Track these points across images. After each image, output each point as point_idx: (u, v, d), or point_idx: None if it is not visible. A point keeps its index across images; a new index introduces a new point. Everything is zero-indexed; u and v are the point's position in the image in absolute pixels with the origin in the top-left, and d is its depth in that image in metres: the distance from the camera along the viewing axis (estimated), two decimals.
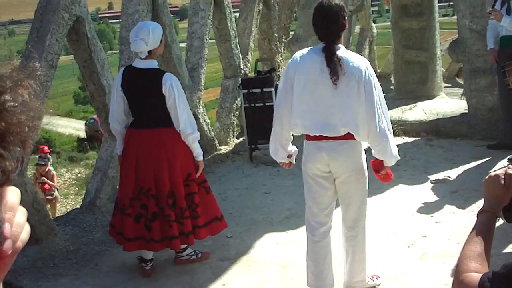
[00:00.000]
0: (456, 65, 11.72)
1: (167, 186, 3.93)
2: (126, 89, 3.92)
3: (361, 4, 10.04)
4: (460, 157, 6.09)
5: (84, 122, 28.11)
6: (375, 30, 12.78)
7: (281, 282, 3.92)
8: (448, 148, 6.42)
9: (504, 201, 1.56)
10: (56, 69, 4.85)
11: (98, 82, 5.28)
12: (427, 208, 4.91)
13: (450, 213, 4.78)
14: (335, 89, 3.13)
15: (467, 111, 6.85)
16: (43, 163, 8.92)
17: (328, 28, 3.18)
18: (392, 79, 10.01)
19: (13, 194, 0.77)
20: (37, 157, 9.37)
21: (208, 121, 7.00)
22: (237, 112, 7.41)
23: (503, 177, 1.56)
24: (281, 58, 8.97)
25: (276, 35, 8.68)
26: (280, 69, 8.71)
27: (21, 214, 0.78)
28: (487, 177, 1.60)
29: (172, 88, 3.82)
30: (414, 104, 7.55)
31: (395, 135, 6.57)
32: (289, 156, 3.45)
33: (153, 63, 3.93)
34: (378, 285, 3.71)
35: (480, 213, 1.58)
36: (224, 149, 7.08)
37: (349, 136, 3.23)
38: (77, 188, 10.48)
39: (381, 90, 3.26)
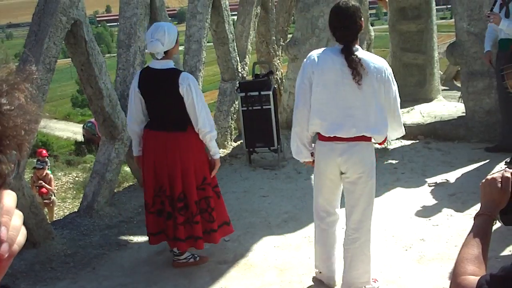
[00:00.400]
0: (453, 68, 11.73)
1: (178, 190, 3.98)
2: (144, 90, 3.96)
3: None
4: (458, 160, 6.09)
5: (82, 125, 28.05)
6: (372, 33, 12.73)
7: (279, 285, 3.92)
8: (446, 151, 6.42)
9: (501, 204, 1.56)
10: (54, 72, 4.84)
11: (96, 85, 5.28)
12: (425, 211, 4.92)
13: (448, 216, 4.78)
14: (359, 89, 3.18)
15: (464, 114, 6.86)
16: (41, 166, 8.90)
17: (347, 29, 3.21)
18: None
19: (9, 197, 0.77)
20: (35, 160, 9.35)
21: None
22: (234, 115, 7.41)
23: (500, 180, 1.57)
24: (279, 61, 8.98)
25: (274, 38, 8.69)
26: (277, 72, 8.72)
27: (18, 217, 0.78)
28: (484, 180, 1.60)
29: (190, 88, 3.85)
30: (412, 107, 7.56)
31: None
32: (312, 154, 3.49)
33: (170, 64, 3.97)
34: None
35: (477, 216, 1.58)
36: (221, 152, 7.07)
37: (362, 138, 3.29)
38: (74, 192, 10.44)
39: (397, 86, 3.41)
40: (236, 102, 7.14)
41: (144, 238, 4.74)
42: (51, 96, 33.03)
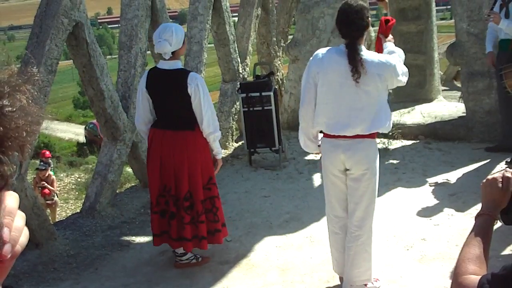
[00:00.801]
0: (454, 68, 11.73)
1: (185, 189, 3.99)
2: (151, 90, 3.98)
3: None
4: (458, 160, 6.09)
5: (83, 126, 28.05)
6: (373, 34, 12.76)
7: (280, 285, 3.92)
8: (446, 151, 6.42)
9: (502, 203, 1.57)
10: (56, 74, 4.86)
11: (97, 87, 5.29)
12: (426, 211, 4.92)
13: (449, 215, 4.79)
14: (358, 87, 3.19)
15: (465, 114, 6.85)
16: (44, 168, 8.92)
17: (354, 23, 3.23)
18: None
19: (11, 198, 0.77)
20: (38, 161, 9.37)
21: None
22: (236, 116, 7.41)
23: (500, 180, 1.57)
24: (279, 62, 8.98)
25: (274, 39, 8.69)
26: (278, 73, 8.72)
27: (20, 218, 0.78)
28: (484, 180, 1.61)
29: (198, 88, 3.88)
30: (412, 107, 7.56)
31: (393, 138, 6.60)
32: (320, 146, 3.54)
33: (177, 64, 3.99)
34: None
35: (478, 216, 1.58)
36: (223, 153, 7.07)
37: (366, 135, 3.29)
38: (77, 193, 10.45)
39: (402, 51, 3.50)
40: (237, 103, 7.14)
41: (146, 239, 4.75)
42: (53, 98, 33.03)
